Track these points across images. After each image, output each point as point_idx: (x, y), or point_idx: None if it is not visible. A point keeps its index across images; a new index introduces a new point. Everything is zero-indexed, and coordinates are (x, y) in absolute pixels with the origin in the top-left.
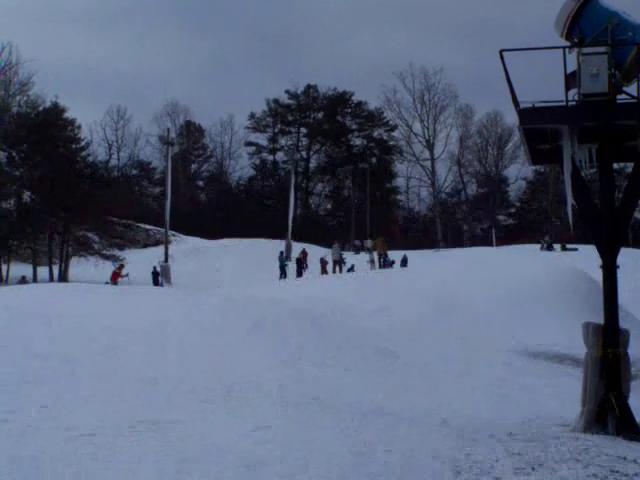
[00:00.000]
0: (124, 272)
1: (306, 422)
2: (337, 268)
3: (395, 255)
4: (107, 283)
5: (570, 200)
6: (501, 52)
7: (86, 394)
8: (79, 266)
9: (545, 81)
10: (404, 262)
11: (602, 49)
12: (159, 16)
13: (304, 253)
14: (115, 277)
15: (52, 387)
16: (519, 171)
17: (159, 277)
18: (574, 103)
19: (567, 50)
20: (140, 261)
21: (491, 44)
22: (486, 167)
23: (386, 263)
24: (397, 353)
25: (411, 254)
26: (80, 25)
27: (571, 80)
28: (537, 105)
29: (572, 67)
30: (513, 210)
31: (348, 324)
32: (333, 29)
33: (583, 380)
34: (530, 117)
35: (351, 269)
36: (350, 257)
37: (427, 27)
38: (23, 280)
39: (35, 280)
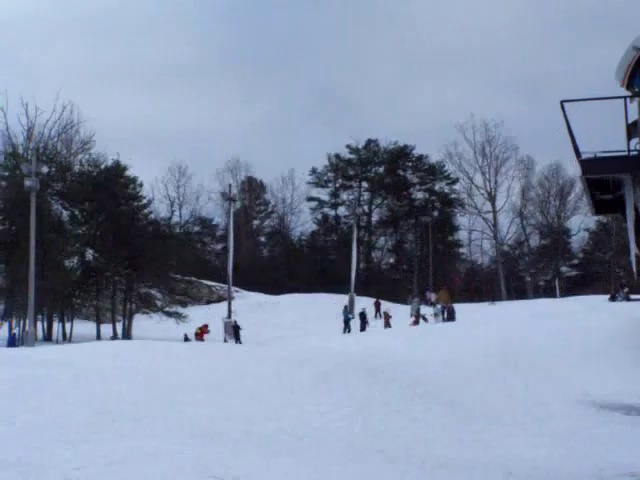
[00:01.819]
0: (208, 330)
1: (374, 475)
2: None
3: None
4: (187, 340)
5: (633, 248)
6: (562, 103)
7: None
8: (142, 322)
9: (606, 131)
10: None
11: None
12: (218, 72)
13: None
14: (200, 335)
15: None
16: (582, 222)
17: (240, 331)
18: (636, 153)
19: (628, 100)
20: (203, 317)
21: (551, 95)
22: (548, 218)
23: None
24: (462, 404)
25: (470, 307)
26: (140, 83)
27: (632, 130)
28: (599, 155)
29: (633, 117)
30: (576, 261)
31: (413, 376)
32: (393, 83)
33: None
34: (592, 167)
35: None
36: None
37: (486, 79)
38: (114, 337)
39: (99, 337)
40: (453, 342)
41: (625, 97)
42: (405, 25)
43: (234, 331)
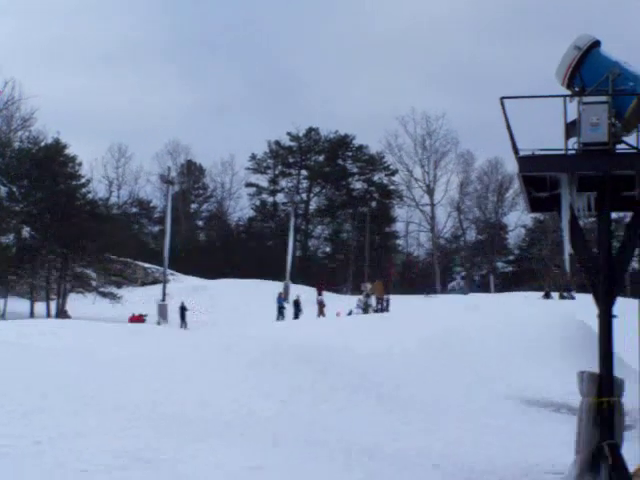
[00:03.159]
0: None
1: (299, 462)
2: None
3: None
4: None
5: (568, 248)
6: (502, 99)
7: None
8: (77, 302)
9: (545, 129)
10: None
11: (603, 99)
12: (161, 54)
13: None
14: (133, 320)
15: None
16: (519, 218)
17: (185, 312)
18: (574, 152)
19: (568, 99)
20: (138, 299)
21: (493, 91)
22: (486, 214)
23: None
24: (392, 395)
25: (405, 299)
26: (83, 62)
27: (571, 129)
28: (537, 153)
29: (572, 116)
30: (512, 257)
31: (345, 365)
32: (334, 73)
33: (577, 428)
34: (529, 165)
35: (350, 313)
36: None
37: (428, 72)
38: (65, 315)
39: (32, 315)
40: (387, 333)
41: (564, 96)
42: (347, 14)
43: (180, 312)
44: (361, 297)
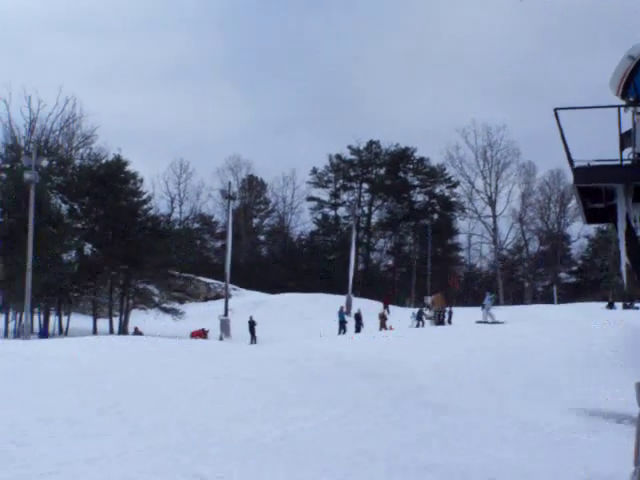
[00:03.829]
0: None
1: (356, 475)
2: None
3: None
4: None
5: (624, 258)
6: (555, 110)
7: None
8: (138, 318)
9: (601, 140)
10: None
11: None
12: (221, 71)
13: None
14: (195, 335)
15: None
16: (581, 229)
17: (255, 327)
18: (629, 162)
19: (622, 109)
20: (200, 315)
21: (552, 101)
22: (548, 224)
23: (443, 318)
24: (452, 409)
25: (467, 311)
26: (142, 79)
27: (626, 139)
28: (592, 164)
29: (627, 126)
30: (575, 268)
31: (404, 380)
32: (396, 85)
33: (636, 439)
34: (585, 176)
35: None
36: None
37: (489, 84)
38: (136, 332)
39: (95, 332)
40: (448, 346)
41: (619, 106)
42: (408, 29)
43: (250, 327)
44: (414, 310)
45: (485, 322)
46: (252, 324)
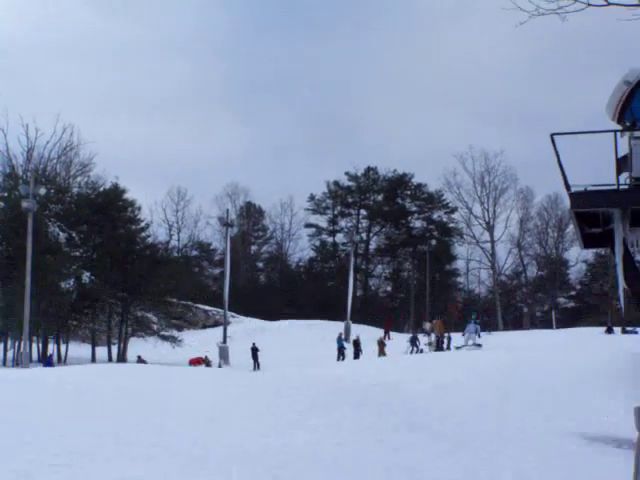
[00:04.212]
0: (208, 360)
1: None
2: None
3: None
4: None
5: (622, 283)
6: (552, 136)
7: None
8: (137, 345)
9: (597, 165)
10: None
11: None
12: (216, 104)
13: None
14: (194, 363)
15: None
16: (579, 253)
17: (258, 353)
18: (626, 187)
19: (618, 134)
20: (199, 342)
21: (549, 126)
22: (546, 249)
23: (442, 344)
24: (451, 433)
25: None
26: (139, 107)
27: (622, 164)
28: (589, 189)
29: (624, 151)
30: (573, 292)
31: (403, 405)
32: (392, 112)
33: (635, 463)
34: (581, 201)
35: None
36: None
37: (486, 110)
38: (140, 360)
39: (94, 360)
40: (446, 371)
41: (615, 131)
42: (405, 54)
43: (252, 353)
44: (409, 335)
45: (465, 346)
46: (255, 350)
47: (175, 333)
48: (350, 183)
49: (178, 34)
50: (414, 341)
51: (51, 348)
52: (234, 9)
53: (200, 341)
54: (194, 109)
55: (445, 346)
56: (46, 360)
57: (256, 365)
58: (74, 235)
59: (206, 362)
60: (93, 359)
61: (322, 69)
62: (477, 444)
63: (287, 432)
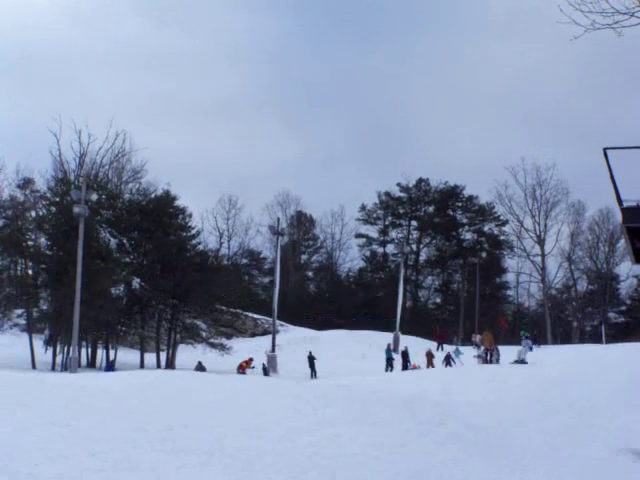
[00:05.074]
0: (252, 364)
1: None
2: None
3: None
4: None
5: None
6: (605, 150)
7: None
8: (186, 352)
9: None
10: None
11: None
12: (268, 112)
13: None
14: (242, 368)
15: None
16: (630, 268)
17: (314, 361)
18: None
19: None
20: (247, 350)
21: (601, 140)
22: (597, 264)
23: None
24: (498, 448)
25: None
26: (191, 114)
27: None
28: None
29: None
30: (624, 307)
31: (450, 418)
32: (444, 123)
33: None
34: (633, 216)
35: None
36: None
37: (539, 122)
38: (200, 366)
39: (142, 366)
40: (495, 384)
41: None
42: (457, 64)
43: (309, 362)
44: (449, 348)
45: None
46: (311, 359)
47: (224, 341)
48: (401, 194)
49: (230, 43)
50: (449, 356)
51: (100, 353)
52: (291, 19)
53: (248, 349)
54: (245, 118)
55: (495, 359)
56: (108, 365)
57: (313, 374)
58: (125, 241)
59: (249, 364)
60: (142, 365)
61: (375, 78)
62: (525, 459)
63: (335, 440)
